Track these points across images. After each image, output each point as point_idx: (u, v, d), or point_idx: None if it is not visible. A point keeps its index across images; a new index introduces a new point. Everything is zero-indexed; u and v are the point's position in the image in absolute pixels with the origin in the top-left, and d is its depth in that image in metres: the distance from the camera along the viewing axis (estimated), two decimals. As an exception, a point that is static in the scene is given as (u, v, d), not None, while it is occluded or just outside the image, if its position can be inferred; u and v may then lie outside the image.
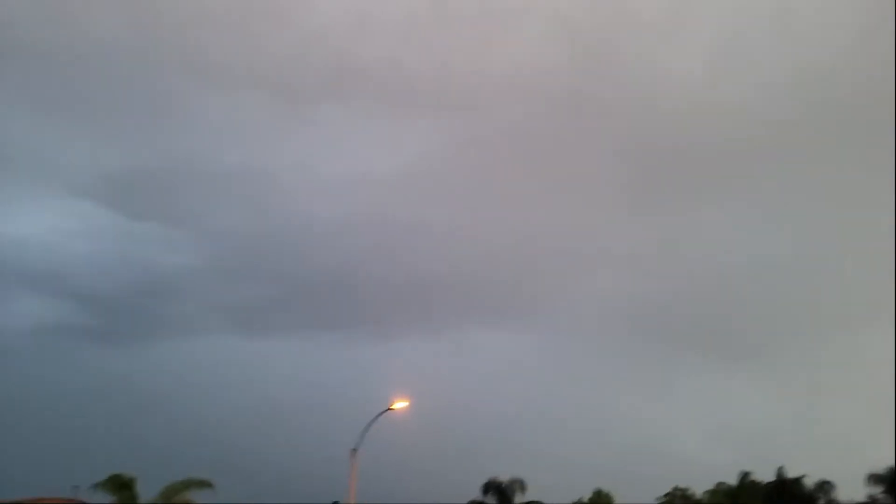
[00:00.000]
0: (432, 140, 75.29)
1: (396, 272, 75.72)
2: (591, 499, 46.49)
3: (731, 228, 70.25)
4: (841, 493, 40.86)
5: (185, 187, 75.55)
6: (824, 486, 40.95)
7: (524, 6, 69.76)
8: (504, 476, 45.37)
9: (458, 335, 72.72)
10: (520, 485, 45.02)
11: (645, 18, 67.54)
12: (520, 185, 75.12)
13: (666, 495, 46.68)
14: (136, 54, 69.52)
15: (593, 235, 75.31)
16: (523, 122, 73.64)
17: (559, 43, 71.05)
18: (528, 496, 45.33)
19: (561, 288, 75.03)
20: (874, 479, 37.40)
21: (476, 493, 45.25)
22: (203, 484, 26.96)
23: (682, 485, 46.54)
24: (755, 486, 42.62)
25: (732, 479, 43.26)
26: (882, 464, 37.58)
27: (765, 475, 42.79)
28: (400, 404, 23.59)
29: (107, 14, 66.19)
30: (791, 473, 41.86)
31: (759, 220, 69.34)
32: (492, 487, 45.16)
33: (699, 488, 45.84)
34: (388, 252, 76.43)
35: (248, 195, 77.76)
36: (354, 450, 23.29)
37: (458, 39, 72.08)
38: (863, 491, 38.74)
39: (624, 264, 73.44)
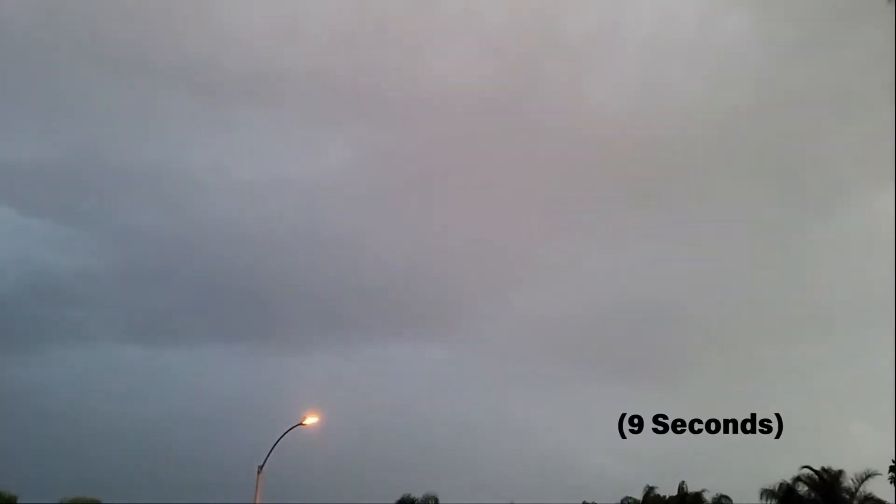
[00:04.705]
0: (355, 150, 74.63)
1: (311, 283, 74.14)
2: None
3: (642, 253, 72.97)
4: (736, 507, 42.98)
5: (87, 183, 71.16)
6: (722, 500, 42.99)
7: (456, 22, 70.65)
8: (418, 492, 45.26)
9: (375, 349, 71.94)
10: (434, 501, 44.86)
11: (572, 46, 69.78)
12: (440, 199, 75.54)
13: (575, 508, 47.55)
14: (34, 37, 65.30)
15: (510, 253, 76.53)
16: (448, 137, 74.17)
17: (488, 61, 72.30)
18: (442, 510, 45.03)
19: (478, 304, 75.66)
20: (767, 493, 39.53)
21: (390, 510, 44.58)
22: (93, 503, 25.16)
23: (590, 498, 47.66)
24: (659, 499, 44.40)
25: (638, 494, 44.76)
26: (774, 480, 39.88)
27: (668, 490, 44.54)
28: (311, 419, 22.74)
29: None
30: (691, 488, 43.71)
31: (668, 245, 72.35)
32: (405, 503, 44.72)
33: (607, 501, 47.07)
34: (304, 262, 74.81)
35: (156, 195, 74.30)
36: (261, 467, 22.28)
37: (386, 50, 71.98)
38: (757, 505, 40.75)
39: (539, 283, 74.93)
